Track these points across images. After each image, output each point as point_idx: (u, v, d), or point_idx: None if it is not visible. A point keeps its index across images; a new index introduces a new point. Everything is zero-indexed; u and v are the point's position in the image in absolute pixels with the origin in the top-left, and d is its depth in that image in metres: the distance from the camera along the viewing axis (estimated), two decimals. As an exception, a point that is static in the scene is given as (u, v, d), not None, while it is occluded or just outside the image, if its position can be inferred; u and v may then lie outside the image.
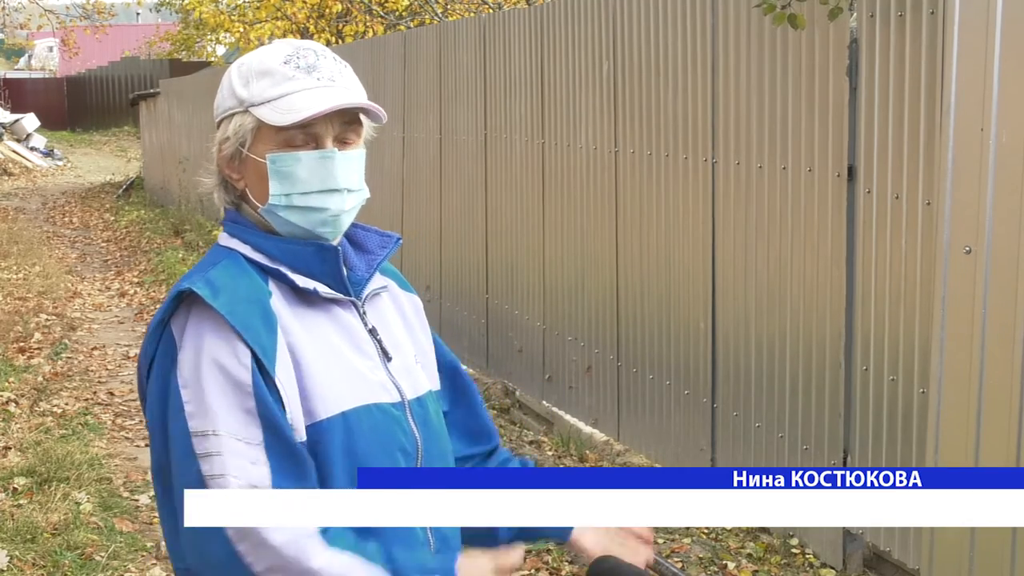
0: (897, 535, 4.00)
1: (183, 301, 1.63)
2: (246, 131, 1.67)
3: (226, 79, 1.72)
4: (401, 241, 1.84)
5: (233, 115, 1.68)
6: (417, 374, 1.80)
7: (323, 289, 1.69)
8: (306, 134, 1.65)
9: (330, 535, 1.57)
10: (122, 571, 4.49)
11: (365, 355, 1.72)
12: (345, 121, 1.68)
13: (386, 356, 1.74)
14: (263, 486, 1.55)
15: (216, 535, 1.55)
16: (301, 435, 1.61)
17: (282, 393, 1.60)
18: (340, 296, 1.71)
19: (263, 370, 1.59)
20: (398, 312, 1.84)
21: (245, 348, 1.59)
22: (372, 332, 1.75)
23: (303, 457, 1.60)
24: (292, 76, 1.65)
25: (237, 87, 1.68)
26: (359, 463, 1.64)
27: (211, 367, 1.58)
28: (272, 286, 1.67)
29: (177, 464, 1.60)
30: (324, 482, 1.63)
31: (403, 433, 1.71)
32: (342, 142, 1.69)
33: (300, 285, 1.67)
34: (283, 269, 1.68)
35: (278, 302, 1.66)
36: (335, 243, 1.72)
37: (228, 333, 1.59)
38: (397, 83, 8.32)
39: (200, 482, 1.56)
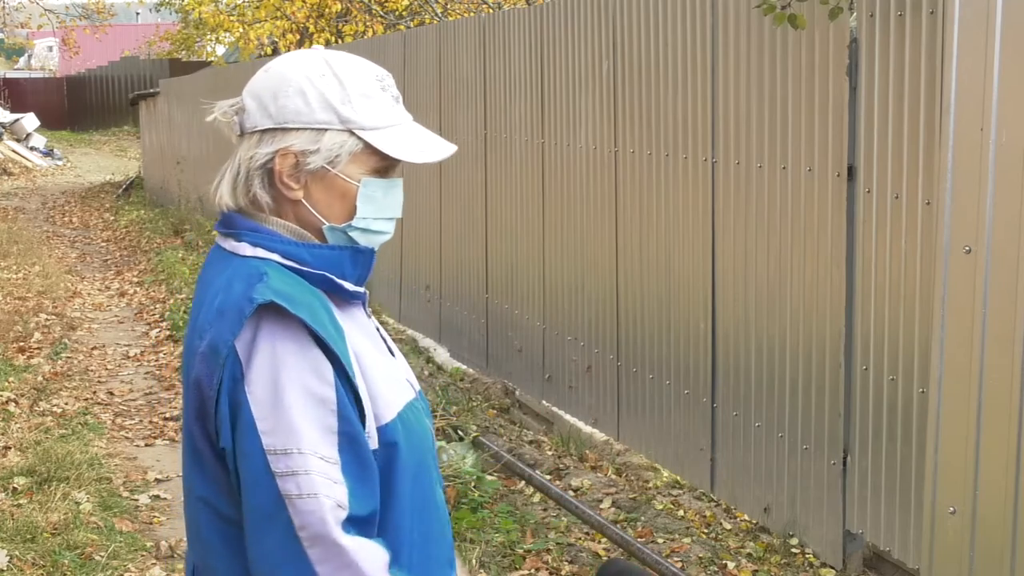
0: (897, 535, 4.00)
1: (250, 317, 1.56)
2: (344, 151, 1.64)
3: (307, 86, 1.64)
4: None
5: (326, 131, 1.64)
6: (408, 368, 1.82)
7: (366, 294, 1.71)
8: (388, 164, 1.69)
9: None
10: (122, 571, 4.49)
11: (385, 354, 1.73)
12: None
13: (391, 353, 1.76)
14: (344, 506, 1.52)
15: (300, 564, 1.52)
16: (375, 442, 1.60)
17: (364, 402, 1.58)
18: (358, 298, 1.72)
19: (346, 381, 1.57)
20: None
21: (326, 362, 1.55)
22: (378, 331, 1.76)
23: (373, 477, 1.58)
24: (392, 106, 1.69)
25: (337, 103, 1.64)
26: (415, 462, 1.66)
27: (292, 383, 1.53)
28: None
29: (249, 483, 1.54)
30: (389, 485, 1.63)
31: (428, 428, 1.74)
32: None
33: (350, 290, 1.67)
34: (328, 275, 1.65)
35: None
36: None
37: (307, 346, 1.55)
38: (397, 83, 8.30)
39: (278, 501, 1.51)
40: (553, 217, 6.21)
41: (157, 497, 5.38)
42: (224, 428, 1.56)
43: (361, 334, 1.68)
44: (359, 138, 1.64)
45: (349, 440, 1.55)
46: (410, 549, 1.65)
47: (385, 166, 1.68)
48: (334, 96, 1.64)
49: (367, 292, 1.79)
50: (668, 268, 5.19)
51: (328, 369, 1.55)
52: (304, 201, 1.66)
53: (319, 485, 1.51)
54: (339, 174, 1.65)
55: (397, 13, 13.60)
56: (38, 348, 8.32)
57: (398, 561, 1.63)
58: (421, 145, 1.69)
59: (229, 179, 1.68)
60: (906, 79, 3.77)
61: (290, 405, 1.52)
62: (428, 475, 1.70)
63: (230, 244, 1.68)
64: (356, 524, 1.54)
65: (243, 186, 1.67)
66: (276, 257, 1.64)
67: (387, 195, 1.69)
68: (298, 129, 1.63)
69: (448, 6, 12.99)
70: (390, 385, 1.66)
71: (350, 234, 1.68)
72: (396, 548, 1.63)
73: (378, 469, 1.60)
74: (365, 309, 1.75)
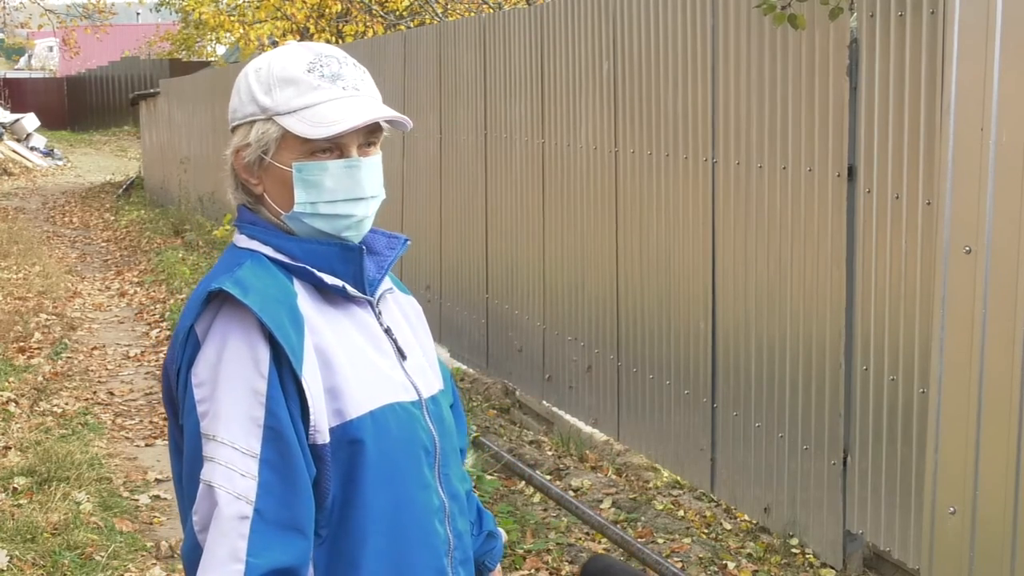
0: (897, 535, 4.00)
1: (211, 302, 1.61)
2: (270, 139, 1.67)
3: (243, 83, 1.70)
4: (409, 242, 1.84)
5: (254, 122, 1.67)
6: (428, 373, 1.82)
7: (349, 288, 1.70)
8: (331, 143, 1.66)
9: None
10: (122, 571, 4.49)
11: (384, 354, 1.73)
12: (369, 130, 1.70)
13: (402, 355, 1.76)
14: (247, 499, 1.52)
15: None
16: (324, 437, 1.60)
17: (308, 396, 1.58)
18: (359, 295, 1.72)
19: (290, 372, 1.58)
20: (402, 314, 1.86)
21: (267, 353, 1.57)
22: (388, 332, 1.76)
23: (298, 475, 1.57)
24: (317, 86, 1.66)
25: (258, 94, 1.67)
26: (387, 462, 1.65)
27: (228, 370, 1.56)
28: (297, 286, 1.67)
29: (187, 460, 1.59)
30: (353, 483, 1.62)
31: (423, 431, 1.73)
32: (364, 149, 1.71)
33: (328, 283, 1.68)
34: (309, 268, 1.68)
35: (304, 302, 1.65)
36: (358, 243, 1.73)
37: (254, 335, 1.58)
38: (397, 83, 8.32)
39: (198, 484, 1.55)
40: (553, 217, 6.21)
41: (157, 497, 5.38)
42: (180, 407, 1.63)
43: (355, 330, 1.70)
44: (278, 124, 1.66)
45: (275, 435, 1.55)
46: (375, 554, 1.64)
47: (325, 148, 1.66)
48: (257, 87, 1.68)
49: (390, 286, 1.81)
50: (668, 268, 5.19)
51: (266, 361, 1.57)
52: (265, 195, 1.71)
53: (218, 475, 1.53)
54: (273, 162, 1.68)
55: (397, 13, 13.60)
56: (38, 348, 8.32)
57: (361, 564, 1.62)
58: (338, 116, 1.64)
59: (229, 180, 1.75)
60: (906, 79, 3.77)
61: (223, 392, 1.56)
62: (409, 479, 1.69)
63: (235, 235, 1.75)
64: (271, 520, 1.53)
65: (234, 186, 1.75)
66: (268, 250, 1.69)
67: (334, 177, 1.67)
68: (238, 126, 1.70)
69: (448, 6, 12.99)
70: (368, 383, 1.66)
71: (304, 220, 1.68)
72: (357, 551, 1.62)
73: (340, 465, 1.61)
74: (374, 309, 1.75)
